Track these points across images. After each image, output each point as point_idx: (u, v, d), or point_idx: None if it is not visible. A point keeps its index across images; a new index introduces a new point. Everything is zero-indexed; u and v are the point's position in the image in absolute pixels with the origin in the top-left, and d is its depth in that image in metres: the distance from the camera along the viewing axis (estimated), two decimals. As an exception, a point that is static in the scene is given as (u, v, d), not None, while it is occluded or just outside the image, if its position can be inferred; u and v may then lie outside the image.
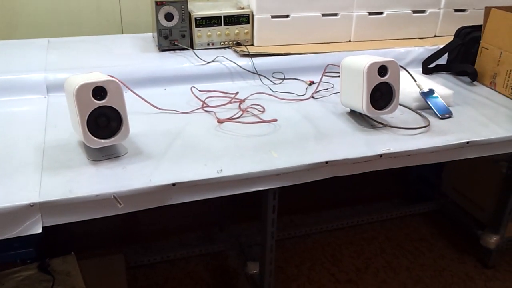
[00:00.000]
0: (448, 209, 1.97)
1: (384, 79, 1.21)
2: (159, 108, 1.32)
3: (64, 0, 1.87)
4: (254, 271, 1.40)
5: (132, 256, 1.64)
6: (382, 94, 1.23)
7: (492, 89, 1.57)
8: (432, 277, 1.64)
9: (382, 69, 1.20)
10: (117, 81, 1.02)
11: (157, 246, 1.74)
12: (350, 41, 1.83)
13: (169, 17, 1.60)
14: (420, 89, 1.39)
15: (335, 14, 1.76)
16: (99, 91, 1.00)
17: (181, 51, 1.65)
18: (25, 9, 1.85)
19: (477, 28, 1.65)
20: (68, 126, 1.18)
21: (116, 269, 1.45)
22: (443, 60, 1.73)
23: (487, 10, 1.60)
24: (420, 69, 1.72)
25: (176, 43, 1.63)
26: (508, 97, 1.50)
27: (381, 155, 1.12)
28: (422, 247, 1.79)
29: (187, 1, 1.60)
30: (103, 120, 1.03)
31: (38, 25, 1.89)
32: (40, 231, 0.91)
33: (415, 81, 1.42)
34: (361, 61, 1.21)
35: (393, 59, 1.21)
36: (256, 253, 1.54)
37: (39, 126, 1.21)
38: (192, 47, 1.65)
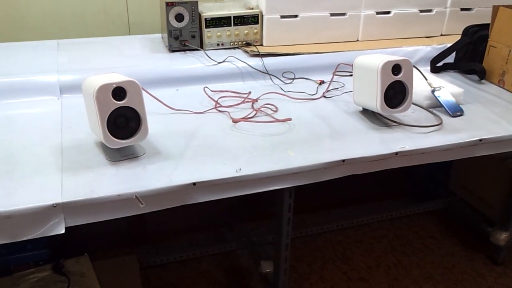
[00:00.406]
0: (456, 207, 1.98)
1: (398, 77, 1.22)
2: (173, 108, 1.33)
3: (70, 1, 1.88)
4: (268, 270, 1.41)
5: (144, 257, 1.65)
6: (396, 93, 1.24)
7: (500, 87, 1.58)
8: (443, 274, 1.66)
9: (396, 68, 1.21)
10: (136, 82, 1.02)
11: (168, 246, 1.75)
12: (358, 40, 1.84)
13: (179, 17, 1.60)
14: (431, 88, 1.40)
15: (343, 14, 1.77)
16: (118, 92, 1.01)
17: (191, 51, 1.66)
18: (32, 11, 1.85)
19: (485, 27, 1.66)
20: (84, 127, 1.18)
21: (130, 270, 1.45)
22: (450, 58, 1.74)
23: (495, 8, 1.61)
24: (428, 68, 1.73)
25: (186, 43, 1.63)
26: (517, 95, 1.52)
27: (396, 153, 1.13)
28: (431, 244, 1.80)
29: (197, 2, 1.61)
30: (122, 121, 1.04)
31: (45, 27, 1.90)
32: (63, 231, 0.92)
33: (426, 79, 1.43)
34: (374, 60, 1.22)
35: (406, 58, 1.22)
36: (268, 252, 1.55)
37: (54, 127, 1.22)
38: (202, 47, 1.66)
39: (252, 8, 1.70)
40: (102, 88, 0.99)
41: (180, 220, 1.89)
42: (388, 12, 1.82)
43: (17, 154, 1.07)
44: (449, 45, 1.74)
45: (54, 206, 0.90)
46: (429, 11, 1.88)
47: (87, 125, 1.13)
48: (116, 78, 1.02)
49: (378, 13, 1.81)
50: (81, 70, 1.47)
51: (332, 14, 1.75)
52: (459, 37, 1.73)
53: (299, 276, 1.63)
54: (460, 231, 1.88)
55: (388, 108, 1.23)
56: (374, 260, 1.71)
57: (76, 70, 1.47)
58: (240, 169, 1.02)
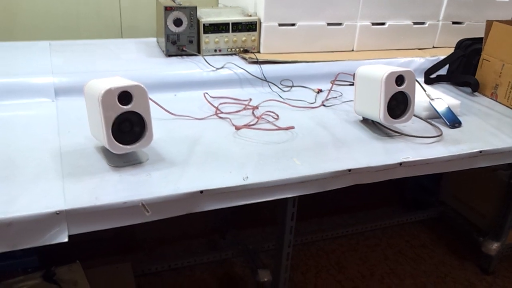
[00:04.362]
0: (447, 216, 2.01)
1: (401, 88, 1.23)
2: (174, 114, 1.30)
3: (62, 2, 1.84)
4: (266, 279, 1.39)
5: (137, 264, 1.61)
6: (398, 103, 1.25)
7: (493, 99, 1.62)
8: (436, 283, 1.67)
9: (399, 79, 1.22)
10: (143, 86, 1.00)
11: (161, 254, 1.71)
12: (353, 50, 1.85)
13: (178, 22, 1.58)
14: (430, 99, 1.42)
15: (340, 24, 1.78)
16: (124, 96, 0.98)
17: (189, 56, 1.64)
18: (23, 11, 1.81)
19: (478, 41, 1.70)
20: (83, 131, 1.15)
21: (124, 278, 1.41)
22: (443, 70, 1.77)
23: (489, 23, 1.65)
24: (422, 79, 1.75)
25: (184, 48, 1.62)
26: (510, 107, 1.55)
27: (400, 164, 1.13)
28: (423, 253, 1.81)
29: (196, 7, 1.59)
30: (127, 125, 1.01)
31: (36, 27, 1.85)
32: (66, 239, 0.88)
33: (425, 90, 1.45)
34: (378, 70, 1.23)
35: (410, 69, 1.23)
36: (262, 260, 1.54)
37: (51, 130, 1.18)
38: (199, 53, 1.64)
39: (251, 15, 1.70)
40: (108, 92, 0.96)
41: (172, 227, 1.86)
42: (383, 24, 1.85)
43: (15, 158, 1.03)
44: (442, 57, 1.77)
45: (57, 213, 0.86)
46: (422, 23, 1.92)
47: (85, 129, 1.10)
48: (121, 82, 1.00)
49: (373, 24, 1.83)
50: (76, 72, 1.43)
51: (329, 24, 1.76)
52: (450, 50, 1.77)
53: (295, 285, 1.62)
54: (451, 240, 1.91)
55: (391, 119, 1.24)
56: (368, 269, 1.71)
57: (71, 72, 1.43)
58: (247, 177, 1.01)
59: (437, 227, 1.98)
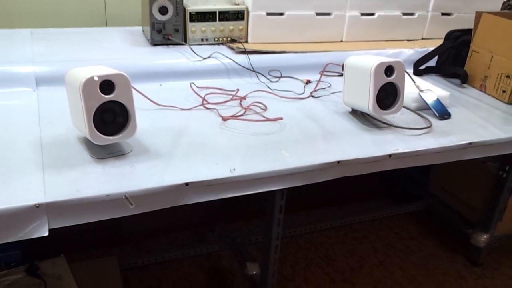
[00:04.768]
0: (436, 209, 2.01)
1: (391, 79, 1.21)
2: (159, 104, 1.27)
3: (45, -11, 1.79)
4: (254, 272, 1.37)
5: (123, 258, 1.58)
6: (387, 94, 1.23)
7: (482, 91, 1.61)
8: (425, 276, 1.67)
9: (389, 69, 1.20)
10: (126, 75, 0.97)
11: (147, 247, 1.68)
12: (342, 41, 1.83)
13: (163, 10, 1.54)
14: (419, 90, 1.41)
15: (329, 14, 1.76)
16: (106, 85, 0.95)
17: (175, 46, 1.60)
18: (4, -3, 1.75)
19: (467, 32, 1.69)
20: (65, 121, 1.11)
21: (110, 272, 1.38)
22: (432, 62, 1.76)
23: (478, 14, 1.63)
24: (411, 70, 1.74)
25: (170, 37, 1.58)
26: (499, 99, 1.54)
27: (390, 155, 1.12)
28: (413, 245, 1.81)
29: (182, -5, 1.55)
30: (109, 116, 0.98)
31: (19, 14, 1.79)
32: (46, 233, 0.85)
33: (414, 82, 1.43)
34: (367, 61, 1.21)
35: (399, 60, 1.22)
36: (251, 253, 1.52)
37: (32, 120, 1.14)
38: (185, 42, 1.61)
39: (238, 4, 1.66)
40: (89, 81, 0.92)
41: (157, 219, 1.83)
42: (373, 14, 1.83)
43: (-7, 150, 0.99)
44: (431, 48, 1.76)
45: (37, 206, 0.83)
46: (412, 14, 1.90)
47: (67, 120, 1.07)
48: (103, 70, 0.96)
49: (362, 14, 1.81)
50: (58, 61, 1.39)
51: (317, 14, 1.74)
52: (439, 41, 1.76)
53: (284, 277, 1.61)
54: (440, 232, 1.91)
55: (380, 110, 1.22)
56: (357, 262, 1.71)
57: (53, 61, 1.39)
58: (234, 169, 0.98)
59: (426, 219, 1.98)
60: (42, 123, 1.13)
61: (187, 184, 0.93)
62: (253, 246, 1.69)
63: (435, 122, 1.32)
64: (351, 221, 1.89)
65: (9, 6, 1.76)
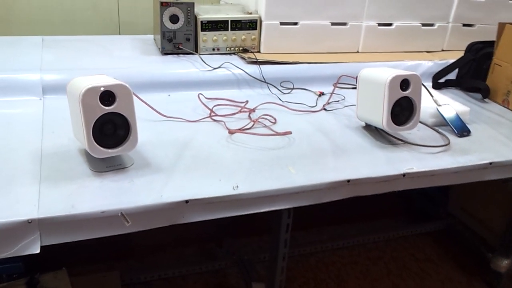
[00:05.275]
0: (455, 229, 1.92)
1: (406, 93, 1.15)
2: (165, 116, 1.24)
3: (59, -4, 1.78)
4: (259, 292, 1.32)
5: (127, 273, 1.54)
6: (402, 109, 1.17)
7: (505, 107, 1.53)
8: (442, 302, 1.59)
9: (404, 83, 1.14)
10: (127, 86, 0.93)
11: (153, 262, 1.64)
12: (358, 52, 1.78)
13: (174, 19, 1.52)
14: (437, 105, 1.34)
15: (344, 24, 1.71)
16: (107, 96, 0.91)
17: (185, 55, 1.57)
18: (18, 4, 1.75)
19: (489, 44, 1.62)
20: (67, 132, 1.09)
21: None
22: (452, 75, 1.69)
23: (501, 26, 1.56)
24: (430, 84, 1.68)
25: (180, 46, 1.55)
26: (522, 116, 1.46)
27: (404, 175, 1.06)
28: (429, 268, 1.73)
29: (193, 3, 1.52)
30: (109, 128, 0.94)
31: (31, 22, 1.80)
32: (38, 251, 0.82)
33: (432, 96, 1.37)
34: (381, 73, 1.15)
35: (415, 73, 1.15)
36: (259, 272, 1.46)
37: (35, 130, 1.12)
38: (196, 51, 1.58)
39: (251, 13, 1.63)
40: (89, 91, 0.89)
41: (166, 234, 1.79)
42: (390, 24, 1.77)
43: (-9, 160, 0.97)
44: (451, 61, 1.69)
45: (29, 222, 0.80)
46: (431, 25, 1.84)
47: (70, 130, 1.04)
48: (104, 80, 0.93)
49: (380, 24, 1.75)
50: (66, 69, 1.37)
51: (333, 24, 1.69)
52: (460, 53, 1.69)
53: (291, 298, 1.55)
54: (459, 255, 1.82)
55: (395, 125, 1.16)
56: (369, 284, 1.63)
57: (61, 69, 1.37)
58: (238, 186, 0.94)
59: (444, 240, 1.89)
60: (45, 133, 1.11)
61: (187, 201, 0.89)
62: (261, 264, 1.63)
63: (453, 139, 1.25)
64: (364, 241, 1.82)
65: (23, 14, 1.76)
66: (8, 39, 1.63)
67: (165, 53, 1.57)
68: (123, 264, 1.62)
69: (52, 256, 1.45)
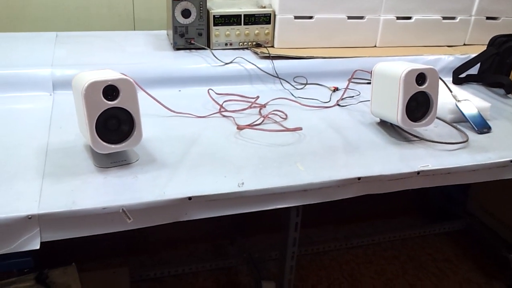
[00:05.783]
0: (474, 229, 1.85)
1: (422, 88, 1.10)
2: (173, 111, 1.22)
3: (73, -7, 1.79)
4: (269, 291, 1.30)
5: (137, 269, 1.53)
6: (418, 105, 1.12)
7: (529, 103, 1.46)
8: (459, 303, 1.54)
9: (420, 77, 1.09)
10: (131, 80, 0.92)
11: (164, 259, 1.63)
12: (375, 46, 1.73)
13: (186, 13, 1.50)
14: (456, 100, 1.28)
15: (361, 17, 1.66)
16: (110, 91, 0.90)
17: (197, 50, 1.55)
18: (33, 1, 1.76)
19: (514, 37, 1.55)
20: (75, 127, 1.08)
21: (120, 284, 1.34)
22: (474, 70, 1.62)
23: (527, 18, 1.49)
24: (450, 79, 1.61)
25: (192, 41, 1.53)
26: (548, 112, 1.39)
27: (418, 172, 1.01)
28: (447, 268, 1.67)
29: (205, -3, 1.50)
30: (113, 123, 0.93)
31: (46, 18, 1.80)
32: (37, 247, 0.81)
33: (451, 91, 1.31)
34: (397, 67, 1.11)
35: (432, 67, 1.10)
36: (270, 270, 1.44)
37: (43, 126, 1.11)
38: (208, 46, 1.55)
39: (264, 7, 1.59)
40: (91, 86, 0.88)
41: (179, 229, 1.77)
42: (409, 18, 1.71)
43: (-4, 155, 0.96)
44: (473, 55, 1.63)
45: (29, 217, 0.79)
46: (453, 18, 1.77)
47: (77, 126, 1.02)
48: (108, 75, 0.91)
49: (398, 18, 1.70)
50: (77, 65, 1.37)
51: (349, 17, 1.64)
52: (483, 48, 1.62)
53: (302, 297, 1.52)
54: (478, 255, 1.75)
55: (410, 121, 1.11)
56: (384, 284, 1.58)
57: (72, 65, 1.37)
58: (243, 183, 0.91)
59: (463, 240, 1.83)
60: (52, 129, 1.10)
61: (190, 198, 0.87)
62: (272, 262, 1.60)
63: (472, 136, 1.19)
64: (380, 239, 1.77)
65: (37, 11, 1.77)
66: (22, 35, 1.64)
67: (177, 48, 1.55)
68: (135, 259, 1.62)
69: (62, 250, 1.46)
